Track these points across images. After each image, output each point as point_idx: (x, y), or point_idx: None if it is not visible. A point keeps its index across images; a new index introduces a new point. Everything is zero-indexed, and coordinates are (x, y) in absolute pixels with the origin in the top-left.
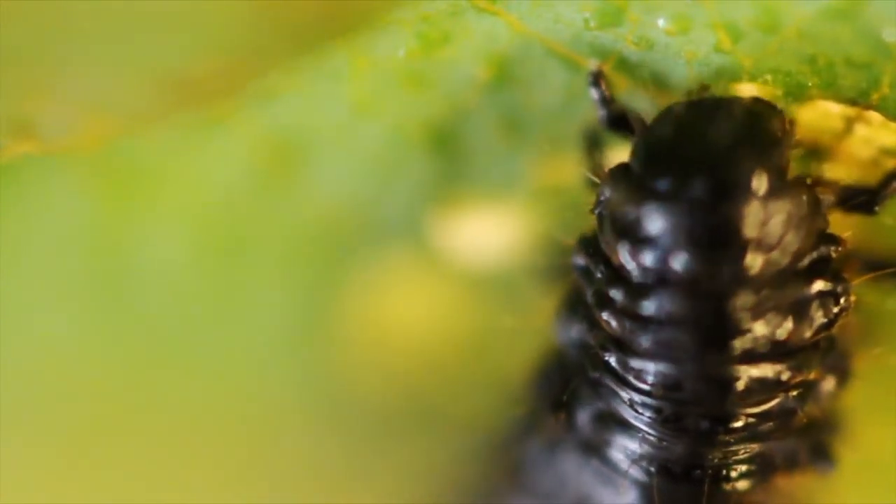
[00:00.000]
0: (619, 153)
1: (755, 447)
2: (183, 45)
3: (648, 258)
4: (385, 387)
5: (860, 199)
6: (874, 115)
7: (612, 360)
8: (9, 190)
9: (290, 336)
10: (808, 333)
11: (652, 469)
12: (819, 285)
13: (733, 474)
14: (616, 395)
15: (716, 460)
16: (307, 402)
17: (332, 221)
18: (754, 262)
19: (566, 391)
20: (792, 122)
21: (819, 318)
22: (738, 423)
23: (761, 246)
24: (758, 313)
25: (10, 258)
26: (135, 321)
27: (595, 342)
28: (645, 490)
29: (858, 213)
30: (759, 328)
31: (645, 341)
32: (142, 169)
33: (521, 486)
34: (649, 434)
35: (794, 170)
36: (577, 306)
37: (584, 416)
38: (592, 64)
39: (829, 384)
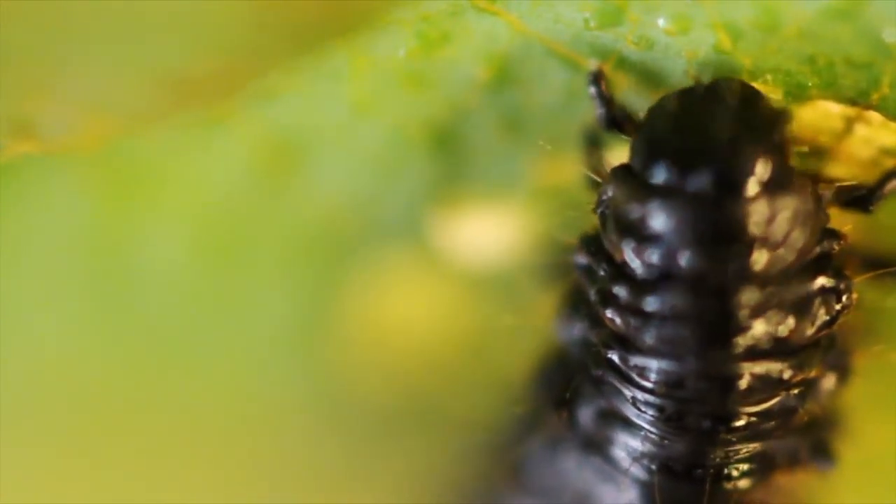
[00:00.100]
0: (619, 153)
1: (756, 446)
2: (183, 45)
3: (653, 256)
4: (385, 387)
5: (857, 198)
6: (874, 115)
7: (615, 358)
8: (9, 190)
9: (290, 336)
10: (810, 331)
11: (653, 467)
12: (821, 282)
13: (734, 473)
14: (618, 392)
15: (717, 459)
16: (307, 402)
17: (332, 221)
18: (759, 258)
19: (568, 389)
20: (788, 113)
21: (821, 315)
22: (740, 422)
23: (767, 242)
24: (761, 310)
25: (10, 258)
26: (135, 321)
27: (597, 340)
28: (646, 488)
29: (855, 211)
30: (763, 326)
31: (648, 338)
32: (142, 169)
33: (522, 484)
34: (651, 432)
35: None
36: (578, 304)
37: (585, 414)
38: (592, 64)
39: (829, 381)
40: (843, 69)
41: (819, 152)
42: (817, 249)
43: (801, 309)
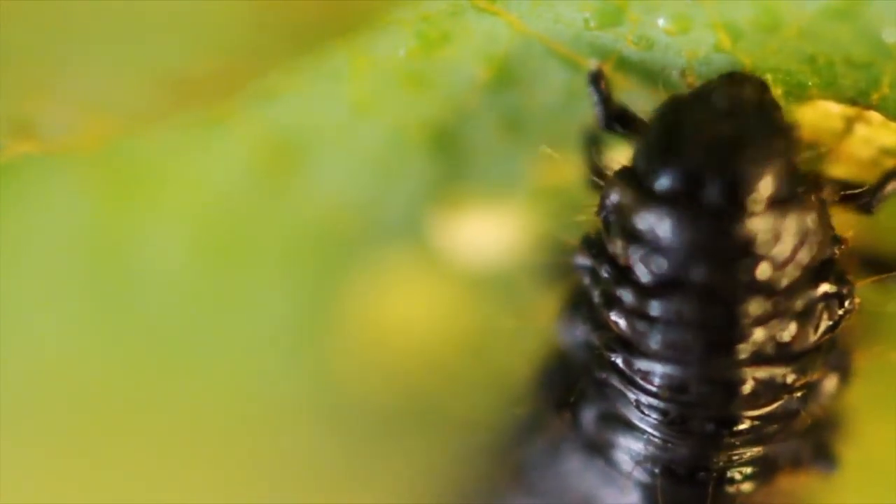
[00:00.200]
0: (620, 154)
1: (759, 449)
2: (183, 45)
3: (661, 264)
4: (385, 387)
5: (858, 199)
6: (874, 115)
7: (619, 361)
8: (9, 190)
9: (290, 336)
10: (813, 337)
11: (656, 471)
12: (825, 288)
13: (737, 476)
14: (622, 395)
15: (720, 462)
16: (307, 402)
17: (332, 221)
18: (767, 269)
19: (572, 392)
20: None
21: (824, 320)
22: (743, 426)
23: (775, 254)
24: (766, 318)
25: (10, 258)
26: (135, 321)
27: (600, 343)
28: (649, 492)
29: (856, 213)
30: (767, 332)
31: (653, 343)
32: (142, 169)
33: (524, 486)
34: (654, 435)
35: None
36: (580, 306)
37: (588, 417)
38: (592, 64)
39: (831, 383)
40: (843, 69)
41: (819, 153)
42: (821, 257)
43: (805, 316)
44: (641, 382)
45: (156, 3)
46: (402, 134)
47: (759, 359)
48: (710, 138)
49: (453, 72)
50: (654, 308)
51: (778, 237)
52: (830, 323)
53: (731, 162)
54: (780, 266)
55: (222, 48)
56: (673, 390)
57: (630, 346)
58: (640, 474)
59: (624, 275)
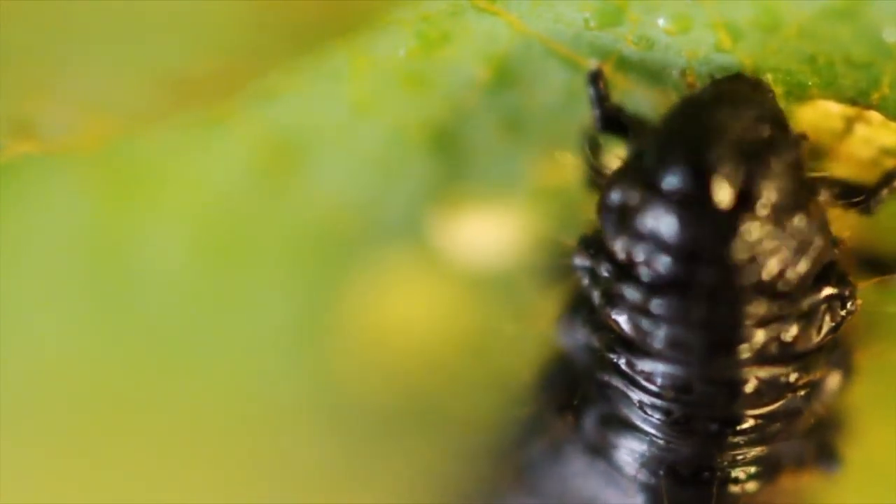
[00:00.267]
0: (619, 154)
1: (762, 448)
2: (183, 45)
3: (665, 261)
4: (385, 387)
5: (858, 200)
6: (874, 115)
7: (621, 362)
8: (9, 190)
9: (290, 336)
10: (816, 338)
11: (660, 471)
12: (827, 290)
13: (741, 476)
14: (624, 396)
15: (724, 462)
16: (307, 402)
17: (332, 221)
18: (772, 272)
19: (575, 394)
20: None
21: (827, 322)
22: (747, 425)
23: (780, 257)
24: (770, 318)
25: (10, 258)
26: (135, 321)
27: (601, 344)
28: (653, 492)
29: (856, 213)
30: (770, 333)
31: (656, 342)
32: (142, 169)
33: (526, 487)
34: (657, 436)
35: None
36: (580, 308)
37: (591, 419)
38: (592, 64)
39: (833, 381)
40: (843, 69)
41: (819, 153)
42: (824, 259)
43: (808, 317)
44: (644, 383)
45: (156, 3)
46: (402, 134)
47: (762, 358)
48: (720, 140)
49: (453, 72)
50: (658, 306)
51: (784, 239)
52: (833, 324)
53: (742, 164)
54: (784, 268)
55: (222, 48)
56: (676, 390)
57: (632, 347)
58: (643, 475)
59: (625, 272)
